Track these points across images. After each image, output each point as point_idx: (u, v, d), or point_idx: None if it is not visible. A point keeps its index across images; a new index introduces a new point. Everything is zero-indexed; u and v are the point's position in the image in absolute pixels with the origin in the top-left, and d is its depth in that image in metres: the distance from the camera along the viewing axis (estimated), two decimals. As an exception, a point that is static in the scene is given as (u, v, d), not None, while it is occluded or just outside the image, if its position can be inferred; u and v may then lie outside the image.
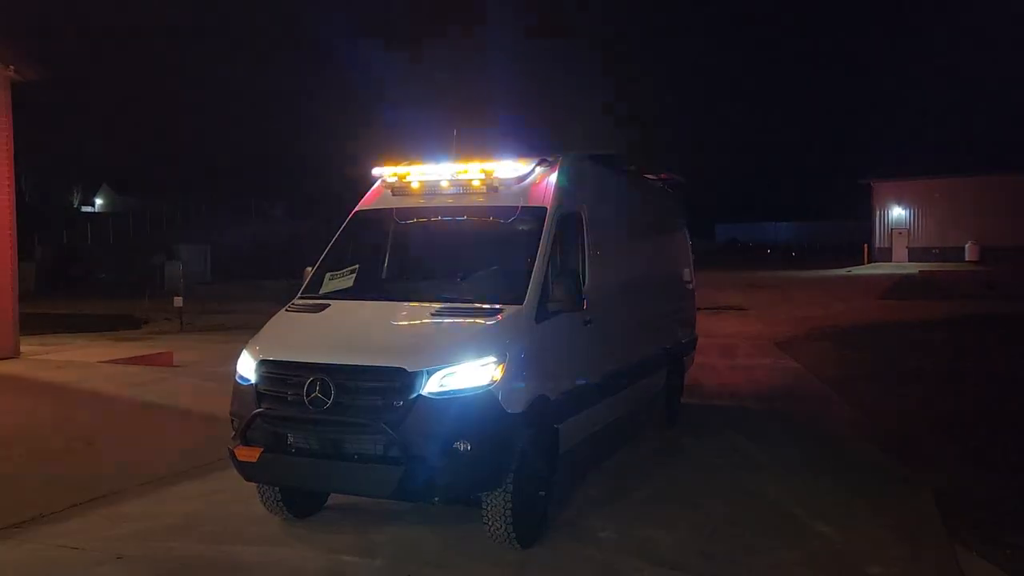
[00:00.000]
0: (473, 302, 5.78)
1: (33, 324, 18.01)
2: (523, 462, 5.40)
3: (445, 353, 5.23)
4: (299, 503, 6.03)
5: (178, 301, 20.56)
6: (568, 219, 6.50)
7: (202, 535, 5.85)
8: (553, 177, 6.45)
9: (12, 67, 12.71)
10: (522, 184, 6.39)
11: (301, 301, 6.31)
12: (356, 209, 6.90)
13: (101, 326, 20.22)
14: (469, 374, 5.17)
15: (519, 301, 5.70)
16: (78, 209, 62.11)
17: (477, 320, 5.57)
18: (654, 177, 9.67)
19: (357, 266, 6.55)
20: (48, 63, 13.59)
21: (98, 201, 71.09)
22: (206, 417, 8.97)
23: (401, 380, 5.11)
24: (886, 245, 51.29)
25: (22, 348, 13.55)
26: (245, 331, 6.29)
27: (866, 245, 51.16)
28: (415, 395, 5.07)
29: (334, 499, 6.29)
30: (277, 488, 5.84)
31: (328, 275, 6.49)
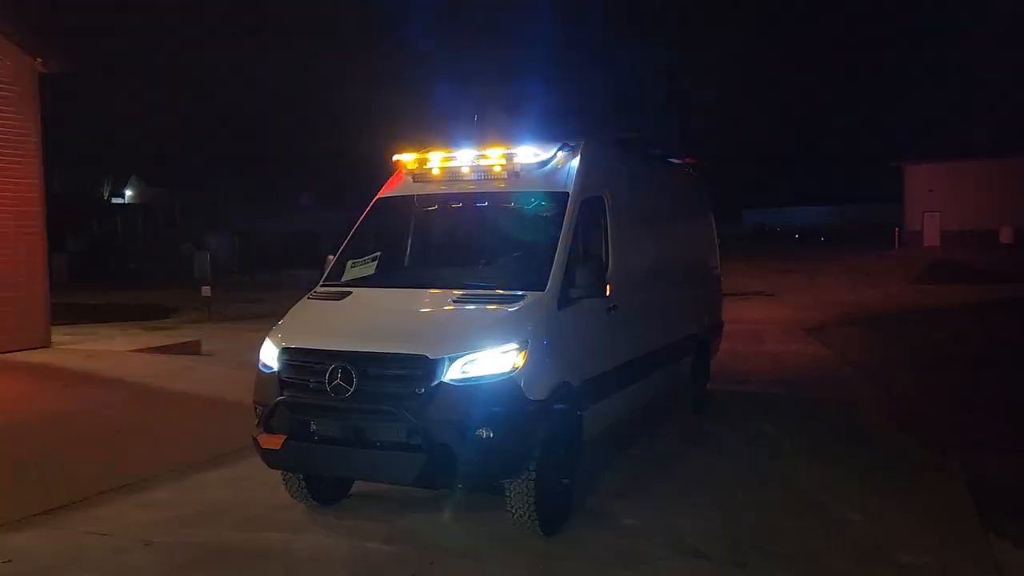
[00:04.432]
0: (495, 288, 5.73)
1: (65, 314, 18.24)
2: (546, 449, 5.35)
3: (466, 340, 5.20)
4: (324, 490, 6.05)
5: (206, 290, 20.73)
6: (591, 204, 6.42)
7: (228, 522, 5.89)
8: (575, 162, 6.38)
9: (39, 59, 12.83)
10: (544, 169, 6.32)
11: (323, 289, 6.31)
12: (377, 196, 6.87)
13: (131, 316, 20.45)
14: (491, 361, 5.13)
15: (541, 287, 5.64)
16: (108, 200, 62.82)
17: (499, 307, 5.53)
18: (679, 161, 9.55)
19: (379, 253, 6.53)
20: (75, 54, 13.69)
21: (128, 192, 71.87)
22: (233, 405, 9.00)
23: (423, 367, 5.08)
24: (917, 228, 50.47)
25: (53, 338, 13.72)
26: (272, 319, 6.29)
27: (897, 229, 50.39)
28: (437, 382, 5.05)
29: (359, 486, 6.30)
30: (302, 475, 5.85)
31: (350, 262, 6.48)
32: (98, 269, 36.76)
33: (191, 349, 14.07)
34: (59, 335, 14.39)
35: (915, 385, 10.77)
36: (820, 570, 5.12)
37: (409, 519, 5.89)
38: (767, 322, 16.94)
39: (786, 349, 13.80)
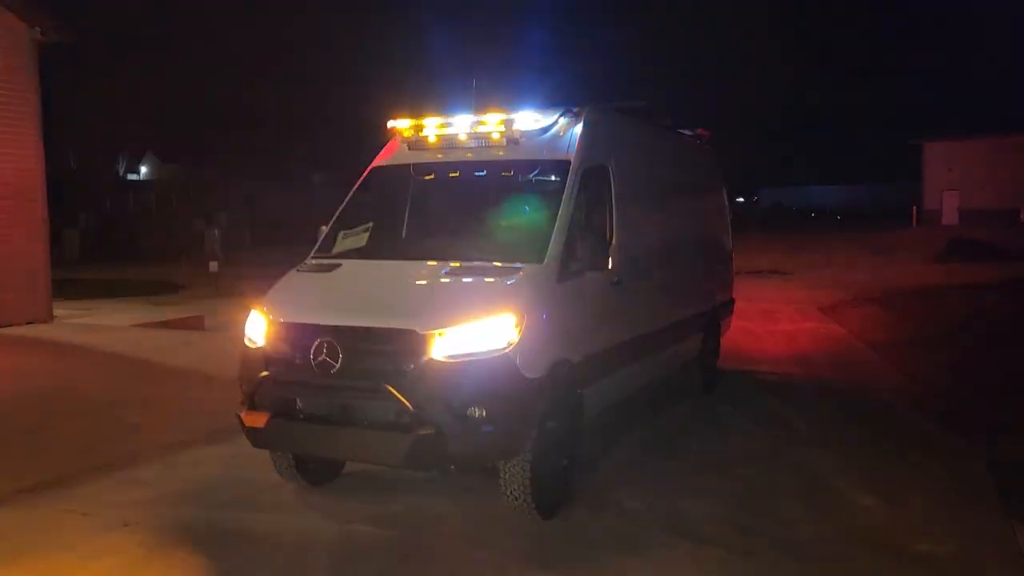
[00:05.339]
0: (490, 261, 5.44)
1: (73, 289, 18.17)
2: (543, 429, 5.09)
3: (458, 314, 4.92)
4: (314, 470, 5.81)
5: (213, 266, 20.59)
6: (594, 173, 6.11)
7: (214, 502, 5.68)
8: (578, 129, 6.06)
9: (38, 28, 12.56)
10: (545, 136, 6.02)
11: (313, 261, 6.04)
12: (372, 165, 6.59)
13: (139, 291, 20.33)
14: (484, 336, 4.85)
15: (539, 259, 5.35)
16: (124, 178, 62.80)
17: (494, 279, 5.24)
18: (690, 133, 9.21)
19: (371, 224, 6.27)
20: (74, 24, 13.40)
21: (143, 169, 71.87)
22: (231, 381, 8.74)
23: (411, 342, 4.81)
24: (936, 207, 49.71)
25: (57, 312, 13.58)
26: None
27: (915, 207, 49.64)
28: (426, 358, 4.77)
29: (351, 466, 6.06)
30: (291, 454, 5.62)
31: (341, 234, 6.22)
32: (109, 245, 36.70)
33: (194, 324, 13.89)
34: (63, 309, 14.25)
35: (933, 365, 10.43)
36: (831, 559, 4.84)
37: (401, 501, 5.65)
38: (781, 300, 16.59)
39: (800, 328, 13.47)
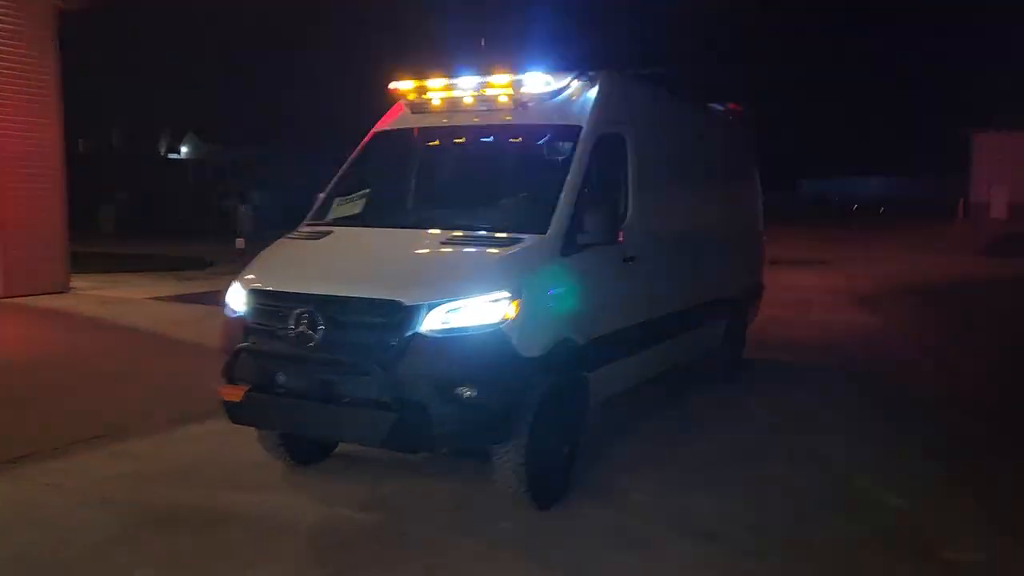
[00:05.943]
0: (490, 230, 5.07)
1: (102, 263, 18.14)
2: (541, 413, 4.72)
3: (449, 286, 4.56)
4: (303, 448, 5.52)
5: (240, 243, 20.48)
6: (608, 141, 5.70)
7: (199, 480, 5.42)
8: (592, 93, 5.66)
9: (58, -6, 12.42)
10: (555, 100, 5.63)
11: (305, 228, 5.72)
12: (373, 130, 6.24)
13: (167, 266, 20.35)
14: (476, 310, 4.48)
15: (543, 230, 4.97)
16: (165, 156, 63.55)
17: (491, 250, 4.87)
18: (720, 107, 8.71)
19: (368, 191, 5.92)
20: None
21: (183, 149, 72.62)
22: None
23: (397, 315, 4.46)
24: (984, 200, 48.08)
25: (75, 284, 13.48)
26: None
27: (963, 200, 48.09)
28: (412, 332, 4.42)
29: (344, 445, 5.74)
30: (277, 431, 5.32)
31: (337, 200, 5.88)
32: (144, 221, 37.03)
33: (212, 299, 13.71)
34: (83, 282, 14.18)
35: (973, 361, 9.85)
36: (849, 564, 4.43)
37: (390, 484, 5.33)
38: (817, 290, 15.98)
39: (835, 318, 12.90)
